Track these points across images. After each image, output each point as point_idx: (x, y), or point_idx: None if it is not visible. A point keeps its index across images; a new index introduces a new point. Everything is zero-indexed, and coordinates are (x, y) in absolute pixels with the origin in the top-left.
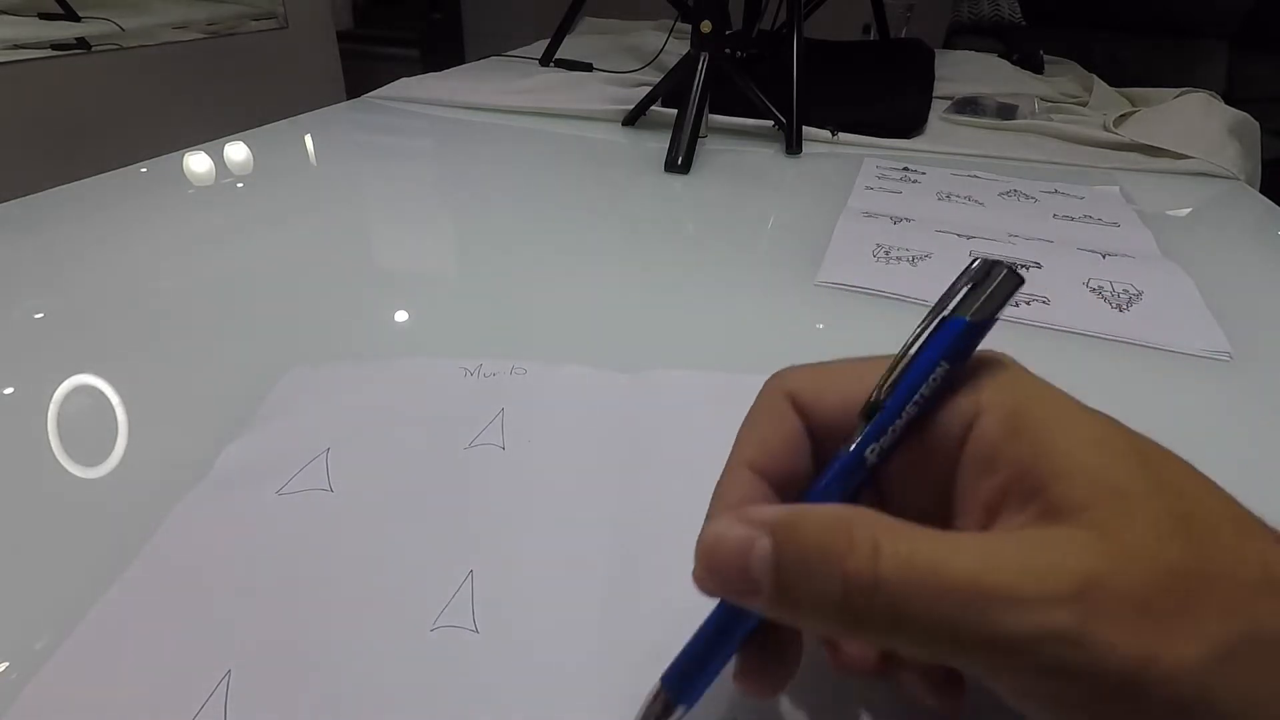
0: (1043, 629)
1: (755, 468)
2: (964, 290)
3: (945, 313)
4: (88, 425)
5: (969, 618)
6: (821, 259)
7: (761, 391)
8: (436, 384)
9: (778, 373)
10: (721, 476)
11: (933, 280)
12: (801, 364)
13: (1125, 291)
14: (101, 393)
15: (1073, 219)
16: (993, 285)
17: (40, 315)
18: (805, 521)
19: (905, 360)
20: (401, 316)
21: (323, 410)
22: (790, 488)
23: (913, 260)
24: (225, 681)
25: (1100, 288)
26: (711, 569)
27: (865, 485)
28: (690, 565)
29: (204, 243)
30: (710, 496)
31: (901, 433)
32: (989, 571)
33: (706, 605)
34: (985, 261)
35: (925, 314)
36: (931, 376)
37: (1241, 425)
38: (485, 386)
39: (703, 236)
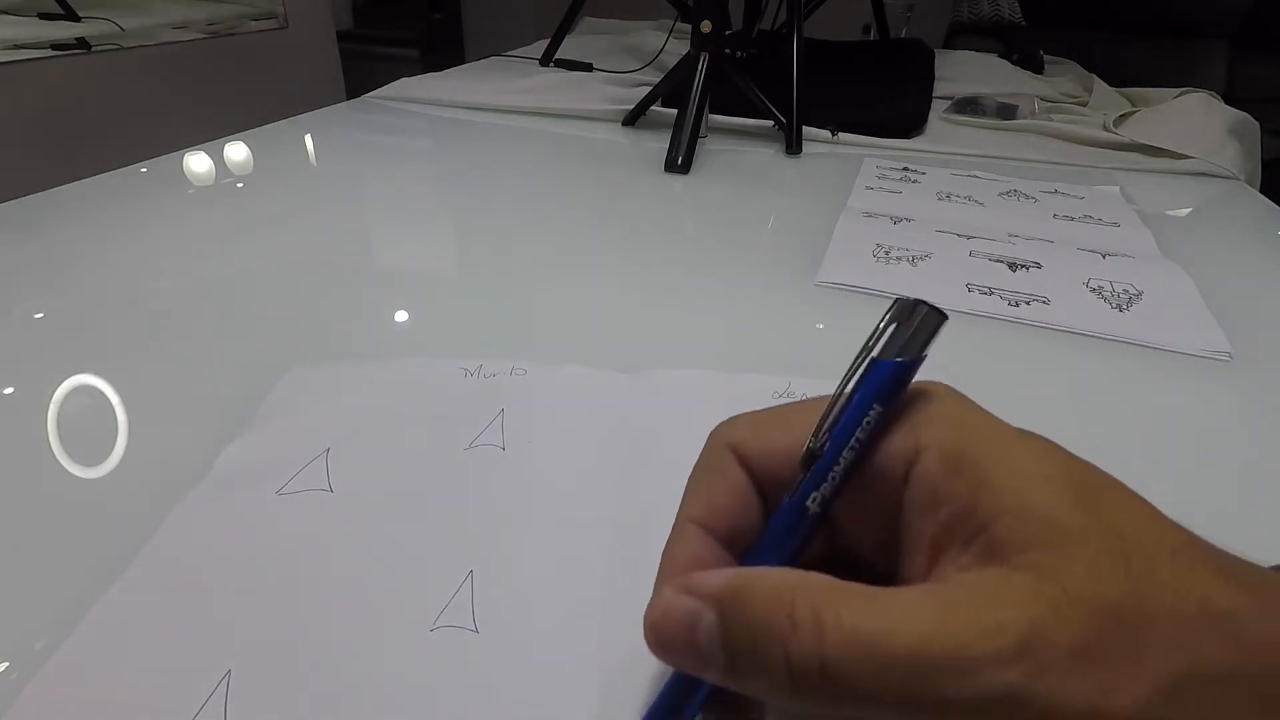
0: (990, 692)
1: (703, 524)
2: (889, 330)
3: (874, 353)
4: (88, 425)
5: (917, 688)
6: (821, 259)
7: (706, 444)
8: (436, 384)
9: (721, 423)
10: (670, 535)
11: (933, 280)
12: (745, 413)
13: (1125, 291)
14: (101, 393)
15: (1073, 219)
16: (916, 322)
17: (40, 315)
18: (749, 594)
19: (839, 405)
20: (401, 316)
21: (323, 410)
22: (739, 541)
23: (913, 260)
24: (225, 681)
25: (1100, 288)
26: (661, 643)
27: (811, 534)
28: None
29: (204, 243)
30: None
31: (841, 478)
32: (933, 637)
33: None
34: (906, 300)
35: (853, 357)
36: (865, 420)
37: (1241, 425)
38: (485, 387)
39: (703, 236)
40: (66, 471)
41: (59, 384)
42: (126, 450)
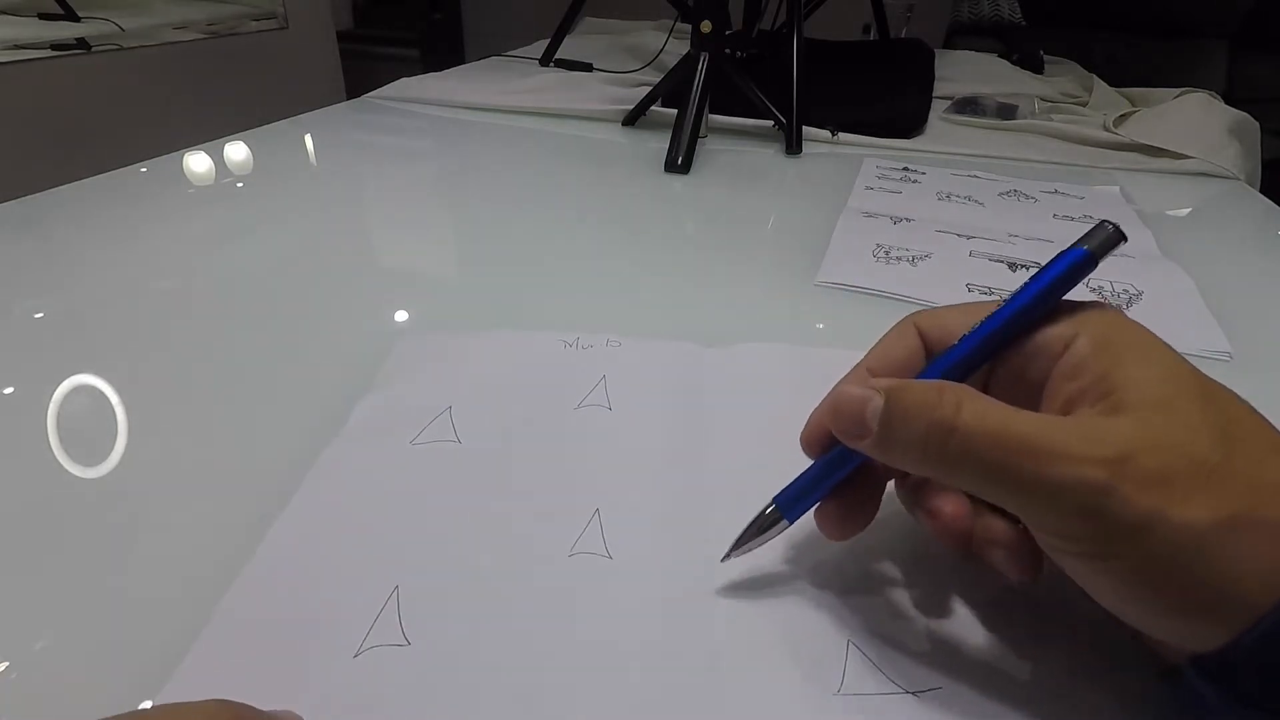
0: (1081, 480)
1: (872, 371)
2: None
3: (1068, 248)
4: (87, 425)
5: (1025, 464)
6: (821, 259)
7: (895, 324)
8: (539, 353)
9: (909, 314)
10: (845, 376)
11: (933, 280)
12: (927, 308)
13: (1125, 291)
14: (101, 393)
15: (1073, 219)
16: (1100, 235)
17: (40, 315)
18: (910, 387)
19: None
20: (401, 316)
21: (440, 373)
22: None
23: (913, 260)
24: (395, 595)
25: (1100, 287)
26: (836, 415)
27: (973, 369)
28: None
29: (204, 243)
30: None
31: (1010, 326)
32: (1047, 434)
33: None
34: (1102, 222)
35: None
36: (1051, 277)
37: None
38: (585, 356)
39: (703, 236)
40: (66, 471)
41: (59, 384)
42: (126, 450)
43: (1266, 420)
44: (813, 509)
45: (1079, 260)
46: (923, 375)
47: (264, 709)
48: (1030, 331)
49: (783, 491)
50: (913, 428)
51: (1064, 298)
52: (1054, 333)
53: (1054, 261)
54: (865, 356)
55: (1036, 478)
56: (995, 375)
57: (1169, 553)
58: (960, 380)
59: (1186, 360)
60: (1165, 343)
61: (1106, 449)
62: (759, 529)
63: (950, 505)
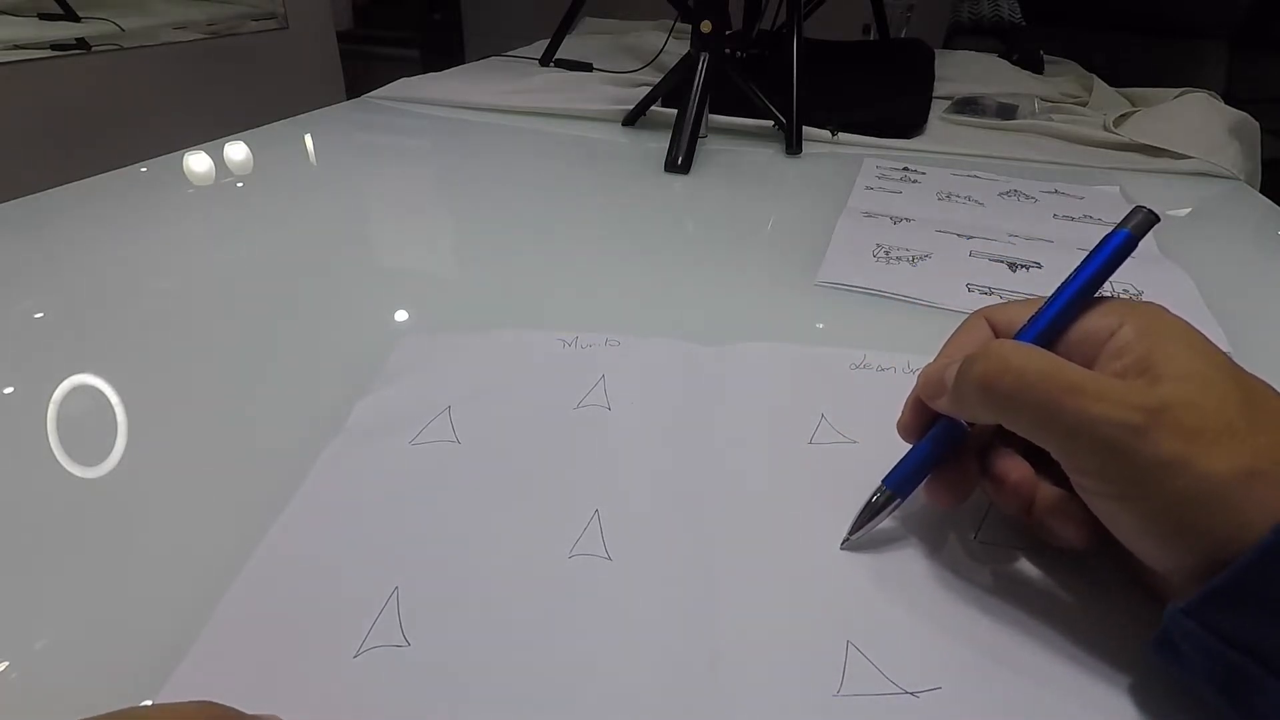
0: (1121, 420)
1: (921, 392)
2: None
3: (1109, 233)
4: (87, 425)
5: (1071, 402)
6: (821, 259)
7: (966, 318)
8: (538, 353)
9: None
10: (932, 362)
11: (933, 280)
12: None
13: (1125, 291)
14: (101, 393)
15: (1073, 219)
16: (1138, 217)
17: (40, 315)
18: (974, 355)
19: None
20: (401, 316)
21: (439, 373)
22: None
23: (913, 260)
24: (395, 595)
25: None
26: (924, 383)
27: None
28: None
29: (204, 243)
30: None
31: (1071, 307)
32: (1093, 379)
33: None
34: (1136, 207)
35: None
36: (1101, 258)
37: None
38: (584, 356)
39: (703, 236)
40: (65, 471)
41: (59, 384)
42: (125, 450)
43: None
44: (922, 485)
45: (1123, 243)
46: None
47: (258, 711)
48: (1077, 320)
49: (889, 475)
50: (975, 374)
51: (1107, 297)
52: (1101, 323)
53: (1100, 247)
54: (946, 346)
55: (1081, 414)
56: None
57: (1190, 496)
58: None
59: (1226, 356)
60: (1202, 334)
61: (1148, 399)
62: (873, 511)
63: (1015, 472)
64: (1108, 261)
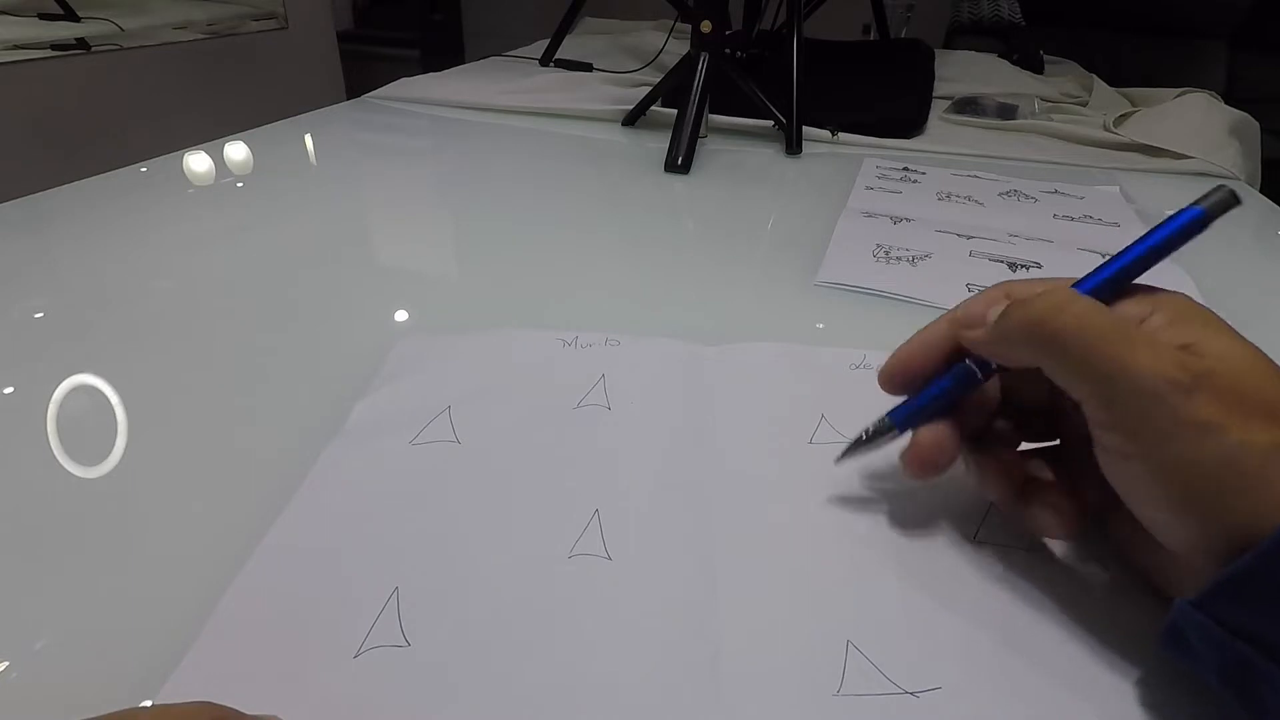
0: (1166, 374)
1: (954, 323)
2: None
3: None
4: (87, 425)
5: (1119, 349)
6: (821, 259)
7: (986, 290)
8: (538, 353)
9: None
10: (927, 326)
11: (933, 280)
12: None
13: None
14: (101, 393)
15: (1073, 219)
16: (1214, 196)
17: (40, 315)
18: (1029, 298)
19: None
20: (401, 316)
21: (438, 373)
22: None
23: (913, 260)
24: (394, 596)
25: None
26: (962, 315)
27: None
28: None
29: (204, 243)
30: None
31: (1126, 273)
32: (1145, 335)
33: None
34: (1219, 185)
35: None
36: (1167, 234)
37: None
38: (584, 355)
39: (703, 236)
40: (65, 471)
41: (59, 384)
42: (125, 450)
43: None
44: (905, 451)
45: (1192, 220)
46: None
47: (258, 711)
48: (1109, 303)
49: (896, 409)
50: (1030, 310)
51: (1137, 282)
52: (1132, 309)
53: (1168, 221)
54: (953, 309)
55: (1127, 361)
56: None
57: (1222, 462)
58: None
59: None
60: (1234, 330)
61: (1194, 364)
62: (871, 435)
63: (1003, 455)
64: (1173, 236)
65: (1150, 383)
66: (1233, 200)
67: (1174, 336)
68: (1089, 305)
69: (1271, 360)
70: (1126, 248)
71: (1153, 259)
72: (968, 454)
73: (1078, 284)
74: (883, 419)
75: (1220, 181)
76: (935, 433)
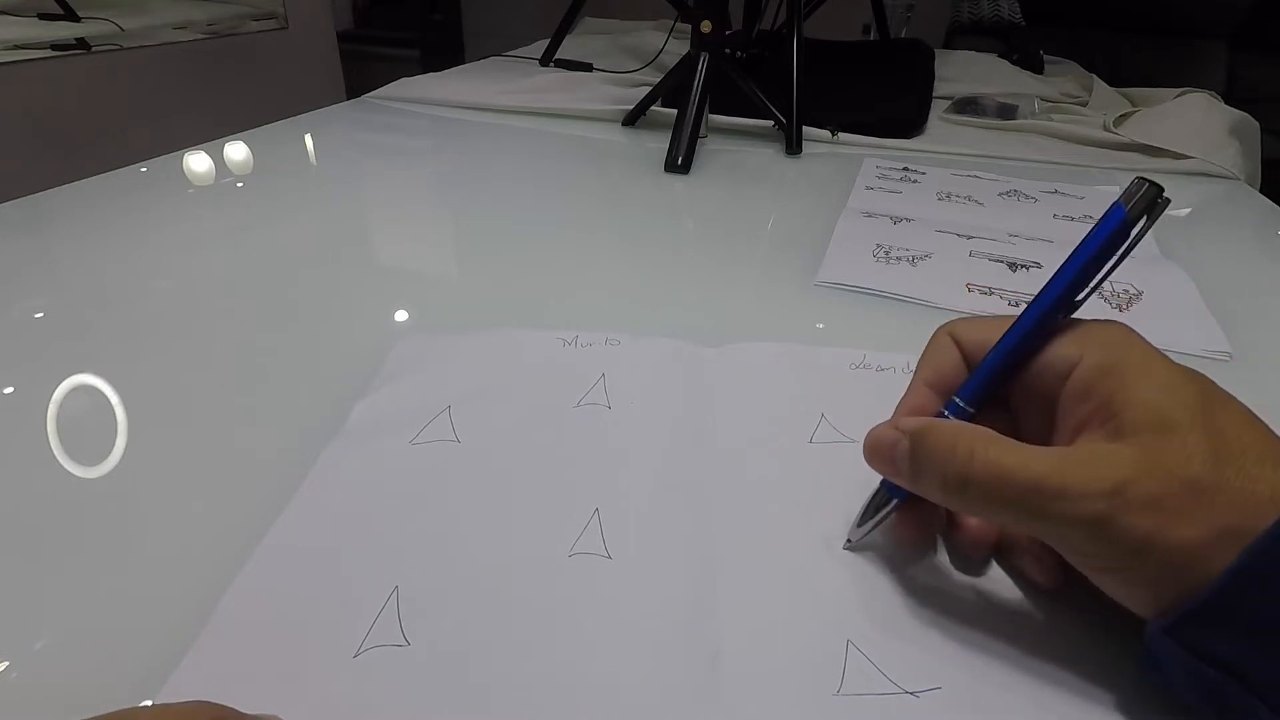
0: (1082, 514)
1: (929, 384)
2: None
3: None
4: (87, 425)
5: (1033, 502)
6: (821, 259)
7: (932, 336)
8: (538, 352)
9: (943, 324)
10: (906, 391)
11: (933, 280)
12: (964, 317)
13: (1125, 291)
14: (101, 393)
15: (1073, 219)
16: (1138, 193)
17: (40, 315)
18: (930, 432)
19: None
20: (401, 316)
21: (438, 373)
22: (952, 393)
23: (913, 260)
24: (394, 595)
25: (1100, 288)
26: (873, 454)
27: (1007, 378)
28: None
29: (204, 243)
30: None
31: (1030, 339)
32: (1051, 474)
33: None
34: (1138, 179)
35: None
36: (1101, 238)
37: None
38: (584, 355)
39: (703, 236)
40: (65, 471)
41: (59, 384)
42: (126, 450)
43: (1265, 427)
44: (890, 520)
45: (1119, 223)
46: (962, 391)
47: (258, 711)
48: (1039, 349)
49: (865, 508)
50: (935, 473)
51: (1072, 316)
52: (1060, 353)
53: (1094, 230)
54: (918, 371)
55: (1045, 514)
56: (1016, 390)
57: (1170, 565)
58: (999, 388)
59: (1190, 374)
60: (1167, 359)
61: (1104, 482)
62: (874, 510)
63: (975, 523)
64: (1104, 247)
65: (1073, 528)
66: (1155, 192)
67: (1102, 393)
68: (991, 468)
69: (1202, 400)
70: (1059, 268)
71: (1091, 273)
72: (945, 527)
73: (978, 371)
74: (879, 490)
75: (1140, 175)
76: (915, 519)
